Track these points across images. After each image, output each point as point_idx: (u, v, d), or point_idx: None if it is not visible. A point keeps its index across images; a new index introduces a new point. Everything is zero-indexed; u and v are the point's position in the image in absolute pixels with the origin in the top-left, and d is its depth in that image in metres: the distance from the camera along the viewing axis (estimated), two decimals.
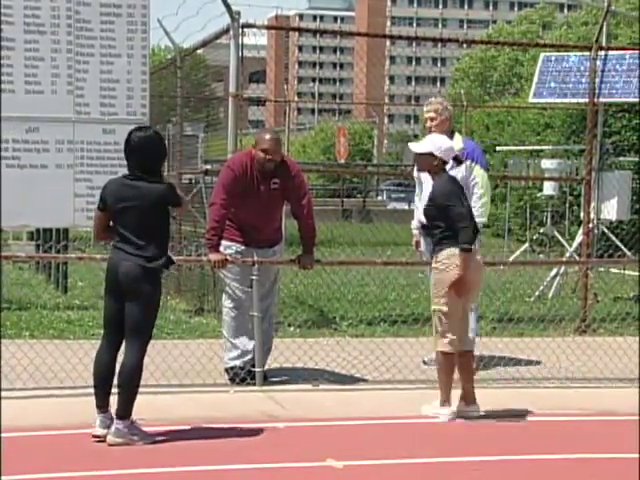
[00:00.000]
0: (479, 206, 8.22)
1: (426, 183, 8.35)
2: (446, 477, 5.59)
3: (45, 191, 10.33)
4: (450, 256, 6.73)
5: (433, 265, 6.90)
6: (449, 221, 6.77)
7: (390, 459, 5.80)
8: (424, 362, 8.49)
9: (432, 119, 8.27)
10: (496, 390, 7.81)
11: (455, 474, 5.63)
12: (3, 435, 5.96)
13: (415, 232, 8.61)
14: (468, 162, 8.23)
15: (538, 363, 8.66)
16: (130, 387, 5.94)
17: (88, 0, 10.36)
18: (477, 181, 8.26)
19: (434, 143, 7.02)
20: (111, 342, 6.12)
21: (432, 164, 6.97)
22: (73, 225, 10.88)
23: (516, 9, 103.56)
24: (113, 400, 6.03)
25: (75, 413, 6.45)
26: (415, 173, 8.55)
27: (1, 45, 10.15)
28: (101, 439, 5.94)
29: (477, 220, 8.21)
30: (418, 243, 8.60)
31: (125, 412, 5.90)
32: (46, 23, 10.24)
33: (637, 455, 5.70)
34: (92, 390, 6.10)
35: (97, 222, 6.30)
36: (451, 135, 8.35)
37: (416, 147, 7.14)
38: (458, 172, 8.19)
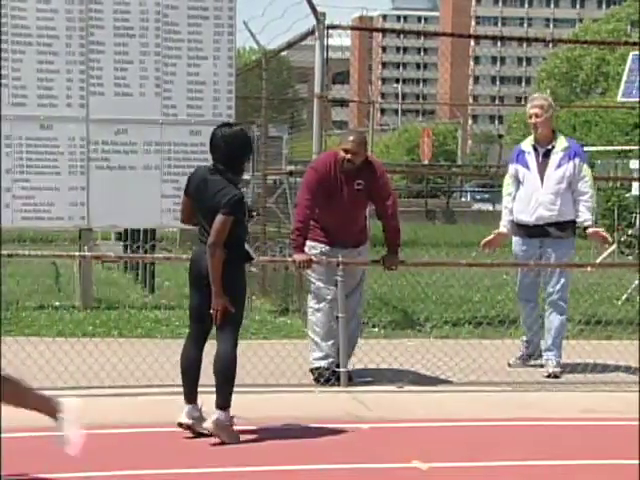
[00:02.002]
0: (590, 205, 8.12)
1: (528, 182, 8.16)
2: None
3: (133, 192, 10.51)
4: None
5: None
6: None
7: (475, 461, 5.76)
8: (509, 364, 8.41)
9: (537, 115, 8.13)
10: (584, 394, 7.70)
11: (539, 477, 5.56)
12: (96, 432, 6.07)
13: (504, 230, 8.32)
14: (577, 160, 8.10)
15: (627, 367, 8.50)
16: (227, 376, 5.96)
17: (176, 3, 10.52)
18: (587, 180, 8.12)
19: None
20: (197, 335, 6.17)
21: None
22: (160, 225, 11.06)
23: (604, 7, 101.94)
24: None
25: (162, 411, 6.52)
26: (512, 170, 8.28)
27: (91, 48, 10.36)
28: (185, 429, 5.99)
29: (588, 218, 8.09)
30: (489, 244, 8.38)
31: (225, 402, 5.94)
32: (135, 26, 10.42)
33: None
34: (180, 389, 6.17)
35: (183, 206, 6.36)
36: (553, 134, 8.25)
37: None
38: (566, 170, 8.09)
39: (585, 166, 8.17)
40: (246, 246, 6.16)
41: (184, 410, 6.07)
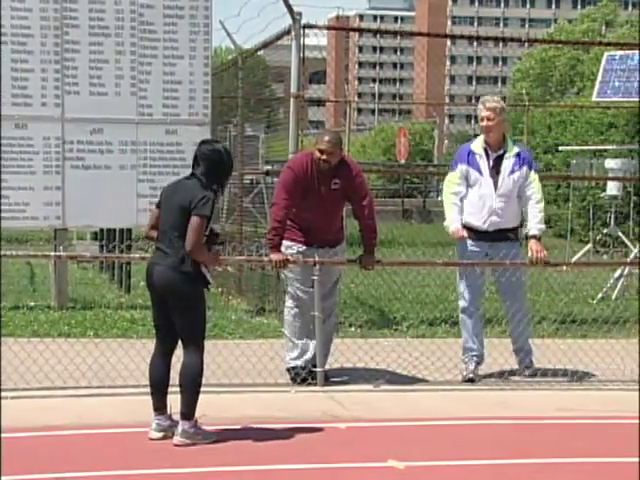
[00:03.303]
0: (537, 211, 7.95)
1: (480, 187, 7.95)
2: (506, 478, 5.54)
3: (109, 192, 10.47)
4: None
5: None
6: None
7: (452, 460, 5.77)
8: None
9: (489, 119, 7.89)
10: (560, 392, 7.74)
11: (516, 475, 5.58)
12: (72, 432, 6.06)
13: (459, 225, 7.94)
14: (525, 168, 7.95)
15: (602, 365, 8.55)
16: (192, 388, 5.97)
17: (152, 3, 10.49)
18: (534, 186, 7.95)
19: None
20: (163, 346, 6.16)
21: None
22: (136, 225, 11.01)
23: (579, 7, 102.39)
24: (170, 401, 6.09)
25: (139, 411, 6.51)
26: (463, 169, 7.93)
27: (66, 47, 10.31)
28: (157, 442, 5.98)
29: (539, 227, 8.00)
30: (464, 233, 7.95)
31: (189, 412, 5.94)
32: (110, 26, 10.39)
33: None
34: None
35: (150, 218, 6.33)
36: (503, 138, 8.03)
37: None
38: (519, 177, 7.99)
39: (532, 172, 7.98)
40: (203, 269, 6.04)
41: (153, 422, 6.06)
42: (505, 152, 7.98)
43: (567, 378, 8.14)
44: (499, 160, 7.97)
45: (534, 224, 7.95)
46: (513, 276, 8.13)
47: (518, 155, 7.99)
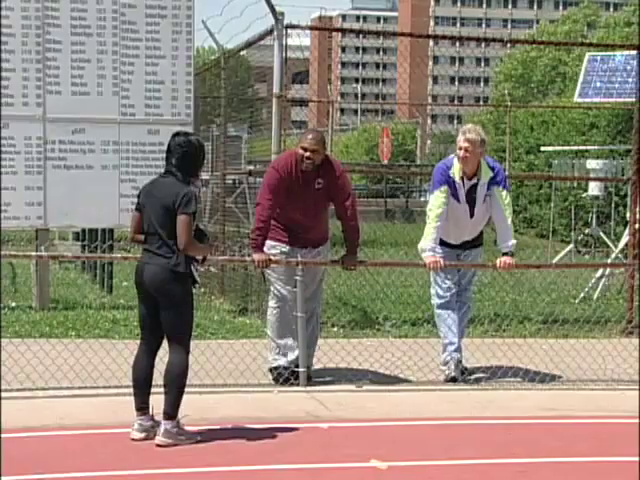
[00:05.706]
0: (507, 228, 8.00)
1: (457, 214, 7.98)
2: (490, 478, 5.56)
3: (91, 192, 10.45)
4: None
5: None
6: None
7: (434, 460, 5.78)
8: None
9: (467, 150, 7.84)
10: (541, 392, 7.76)
11: (499, 475, 5.59)
12: (53, 433, 6.04)
13: (429, 255, 7.90)
14: (494, 187, 7.95)
15: (584, 365, 8.58)
16: (177, 387, 5.96)
17: (134, 2, 10.47)
18: (503, 202, 7.97)
19: None
20: (148, 345, 6.14)
21: None
22: (118, 225, 11.00)
23: (561, 8, 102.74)
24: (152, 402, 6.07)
25: (121, 412, 6.49)
26: (447, 191, 7.91)
27: (48, 47, 10.28)
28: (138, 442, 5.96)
29: (511, 243, 8.02)
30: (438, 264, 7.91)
31: (173, 412, 5.93)
32: (92, 25, 10.37)
33: None
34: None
35: (132, 222, 6.30)
36: (478, 166, 7.98)
37: None
38: (490, 201, 8.00)
39: (501, 189, 7.98)
40: (193, 268, 6.05)
41: (135, 422, 6.04)
42: (479, 180, 8.00)
43: (549, 378, 8.17)
44: (473, 188, 8.02)
45: (506, 241, 8.01)
46: (472, 278, 8.33)
47: (490, 178, 7.99)
